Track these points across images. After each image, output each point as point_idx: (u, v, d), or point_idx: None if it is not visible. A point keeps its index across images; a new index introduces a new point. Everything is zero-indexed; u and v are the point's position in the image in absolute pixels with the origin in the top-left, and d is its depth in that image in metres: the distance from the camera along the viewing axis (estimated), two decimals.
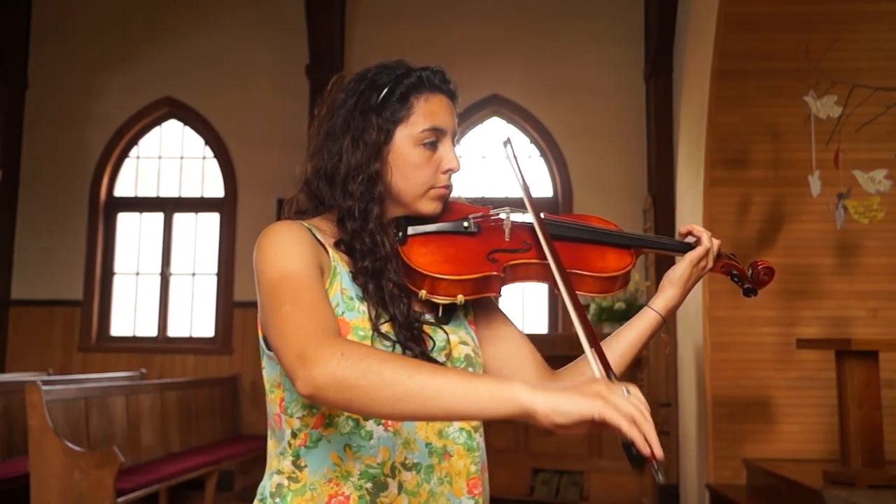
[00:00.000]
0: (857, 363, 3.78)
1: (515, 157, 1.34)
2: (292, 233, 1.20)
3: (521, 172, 1.33)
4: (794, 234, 4.93)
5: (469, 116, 6.66)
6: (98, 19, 7.23)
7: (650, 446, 0.91)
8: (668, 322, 1.52)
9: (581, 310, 1.15)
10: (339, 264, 1.23)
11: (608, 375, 1.04)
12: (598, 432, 0.93)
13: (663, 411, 5.83)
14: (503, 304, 1.46)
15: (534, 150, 6.97)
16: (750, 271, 1.44)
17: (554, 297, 6.64)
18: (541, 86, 6.80)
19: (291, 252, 1.17)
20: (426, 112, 1.28)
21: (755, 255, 4.84)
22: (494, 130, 6.97)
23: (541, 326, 6.71)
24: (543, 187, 6.93)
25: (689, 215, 5.48)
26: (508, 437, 5.27)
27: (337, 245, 1.26)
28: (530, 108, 6.87)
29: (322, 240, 1.24)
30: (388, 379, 0.97)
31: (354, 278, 1.23)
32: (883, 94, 4.16)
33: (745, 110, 4.92)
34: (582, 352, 1.42)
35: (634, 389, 0.95)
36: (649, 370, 5.16)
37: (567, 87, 6.77)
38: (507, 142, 1.37)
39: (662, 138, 6.36)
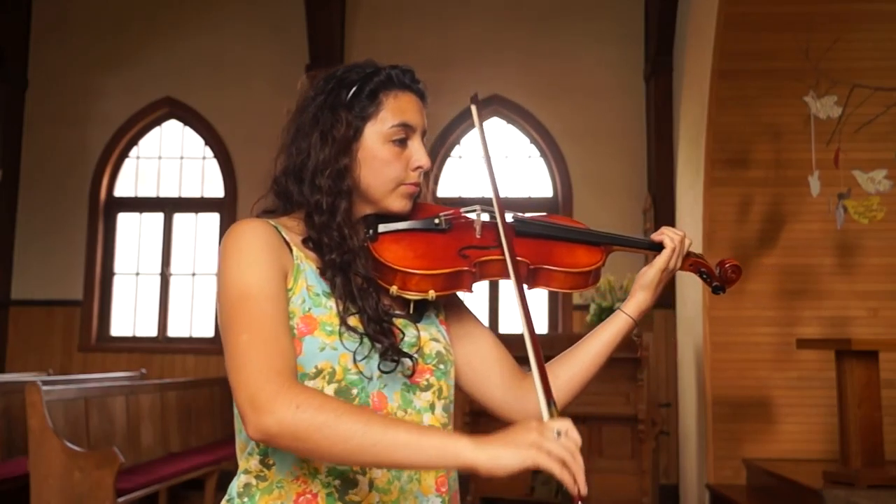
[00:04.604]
0: (857, 363, 3.79)
1: (480, 117, 1.36)
2: (257, 234, 1.19)
3: (484, 136, 1.35)
4: (794, 234, 4.93)
5: (468, 117, 6.64)
6: (98, 19, 7.23)
7: (577, 486, 0.97)
8: (642, 324, 1.53)
9: (529, 315, 1.19)
10: (304, 262, 1.23)
11: (549, 405, 1.07)
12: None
13: (663, 411, 5.83)
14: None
15: (534, 150, 6.97)
16: (718, 270, 1.47)
17: (554, 298, 6.63)
18: (541, 86, 6.80)
19: (255, 262, 1.16)
20: (395, 109, 1.28)
21: (756, 255, 4.84)
22: (494, 130, 6.97)
23: (540, 326, 6.71)
24: (543, 187, 6.93)
25: (689, 215, 5.48)
26: None
27: (305, 242, 1.25)
28: (530, 109, 6.86)
29: (288, 238, 1.23)
30: (343, 434, 1.01)
31: (322, 274, 1.23)
32: (883, 94, 4.16)
33: (745, 110, 4.92)
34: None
35: (566, 425, 1.01)
36: (649, 370, 5.15)
37: (567, 88, 6.77)
38: (474, 99, 1.38)
39: (662, 138, 6.36)
